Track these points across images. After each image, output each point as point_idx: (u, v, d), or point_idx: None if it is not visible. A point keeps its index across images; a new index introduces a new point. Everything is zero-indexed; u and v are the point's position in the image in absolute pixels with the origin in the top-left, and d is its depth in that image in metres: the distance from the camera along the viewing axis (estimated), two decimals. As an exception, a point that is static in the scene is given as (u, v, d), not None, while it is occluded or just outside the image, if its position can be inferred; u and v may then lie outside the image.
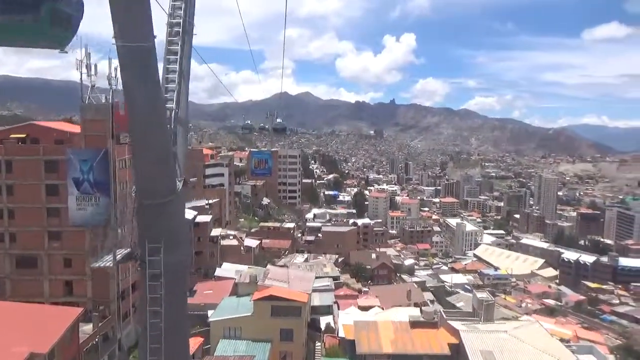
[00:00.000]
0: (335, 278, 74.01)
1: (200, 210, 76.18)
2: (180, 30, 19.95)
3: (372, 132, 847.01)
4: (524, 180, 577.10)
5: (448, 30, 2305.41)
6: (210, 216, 71.63)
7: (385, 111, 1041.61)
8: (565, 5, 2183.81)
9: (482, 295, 44.61)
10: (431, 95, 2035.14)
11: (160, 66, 19.10)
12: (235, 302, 46.70)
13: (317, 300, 64.99)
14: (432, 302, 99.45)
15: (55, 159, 43.31)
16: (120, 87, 49.21)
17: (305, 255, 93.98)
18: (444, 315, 41.87)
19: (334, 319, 62.02)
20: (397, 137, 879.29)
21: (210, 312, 53.22)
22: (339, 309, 64.01)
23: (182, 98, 20.59)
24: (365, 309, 58.03)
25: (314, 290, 67.00)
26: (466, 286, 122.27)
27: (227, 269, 67.98)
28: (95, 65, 43.36)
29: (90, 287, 44.36)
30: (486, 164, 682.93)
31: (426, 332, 38.20)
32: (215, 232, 70.78)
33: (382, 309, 58.30)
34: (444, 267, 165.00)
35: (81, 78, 42.56)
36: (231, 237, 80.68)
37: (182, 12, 20.10)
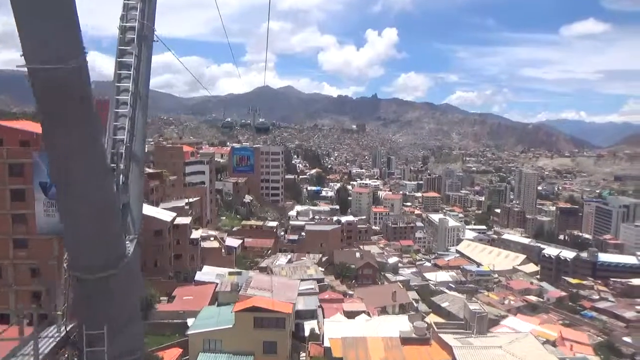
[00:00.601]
0: (319, 280, 72.06)
1: (180, 211, 73.43)
2: (136, 36, 15.74)
3: (354, 126, 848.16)
4: (504, 175, 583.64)
5: (430, 25, 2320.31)
6: (190, 218, 68.98)
7: (367, 105, 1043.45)
8: (544, 2, 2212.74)
9: (474, 307, 43.03)
10: (413, 90, 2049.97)
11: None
12: (215, 312, 44.36)
13: (301, 304, 62.90)
14: (417, 301, 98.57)
15: (20, 162, 40.24)
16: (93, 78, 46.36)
17: (289, 256, 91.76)
18: (435, 329, 40.13)
19: (318, 325, 60.10)
20: (379, 131, 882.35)
21: (189, 321, 50.84)
22: (323, 313, 62.14)
23: (138, 126, 16.14)
24: (351, 315, 56.17)
25: (298, 294, 65.14)
26: (450, 284, 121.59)
27: (207, 273, 65.50)
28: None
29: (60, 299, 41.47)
30: (467, 158, 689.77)
31: (418, 350, 36.38)
32: (196, 234, 68.17)
33: (369, 315, 56.50)
34: (427, 264, 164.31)
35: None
36: (212, 239, 78.09)
37: (138, 13, 15.99)
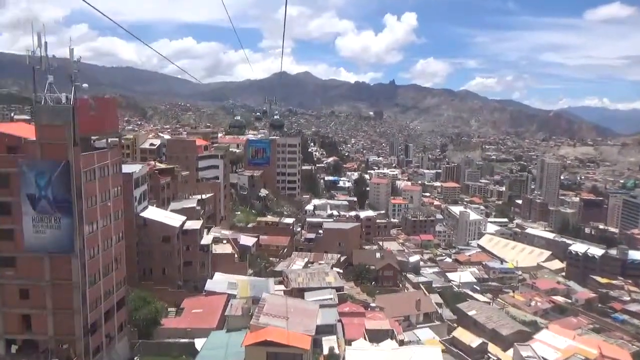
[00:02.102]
0: (338, 289, 67.00)
1: (190, 213, 68.73)
2: None
3: (371, 113, 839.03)
4: (525, 164, 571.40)
5: (450, 9, 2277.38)
6: (201, 221, 64.28)
7: (385, 92, 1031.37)
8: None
9: (526, 353, 37.52)
10: (431, 76, 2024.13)
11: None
12: (224, 340, 39.77)
13: (318, 318, 58.13)
14: (440, 305, 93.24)
15: (5, 171, 35.64)
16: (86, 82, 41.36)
17: (305, 258, 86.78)
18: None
19: (337, 342, 55.26)
20: (396, 118, 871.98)
21: (198, 342, 46.28)
22: (343, 329, 57.15)
23: None
24: (374, 335, 51.08)
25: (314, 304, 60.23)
26: (474, 286, 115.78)
27: (219, 281, 60.85)
28: (47, 54, 35.08)
29: (51, 323, 37.08)
30: (486, 146, 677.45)
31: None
32: (206, 239, 63.56)
33: (396, 335, 51.33)
34: (448, 259, 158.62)
35: (34, 72, 34.64)
36: (224, 242, 73.40)
37: None
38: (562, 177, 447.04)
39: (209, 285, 59.02)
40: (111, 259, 42.23)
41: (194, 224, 62.45)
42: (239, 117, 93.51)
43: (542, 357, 62.64)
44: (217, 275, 62.44)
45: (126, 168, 56.39)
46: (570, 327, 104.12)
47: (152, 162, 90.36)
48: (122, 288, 44.81)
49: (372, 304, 66.06)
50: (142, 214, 57.51)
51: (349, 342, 53.88)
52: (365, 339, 50.96)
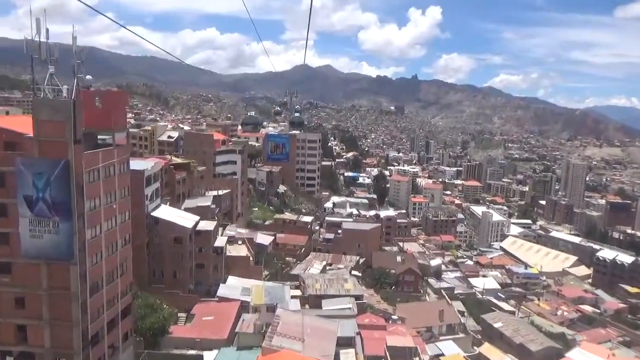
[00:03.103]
0: (357, 297, 63.36)
1: (205, 212, 65.59)
2: None
3: (392, 107, 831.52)
4: (549, 164, 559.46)
5: (476, 4, 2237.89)
6: (215, 222, 61.02)
7: (406, 87, 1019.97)
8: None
9: None
10: (454, 72, 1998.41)
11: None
12: (234, 358, 36.36)
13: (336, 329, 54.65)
14: (462, 314, 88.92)
15: (1, 170, 32.66)
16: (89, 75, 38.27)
17: (323, 262, 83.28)
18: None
19: (356, 357, 51.68)
20: (418, 113, 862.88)
21: (207, 355, 43.11)
22: (362, 342, 53.49)
23: None
24: (397, 352, 47.29)
25: (332, 317, 56.74)
26: (499, 294, 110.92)
27: (232, 286, 57.64)
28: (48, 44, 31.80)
29: (48, 334, 34.15)
30: (509, 144, 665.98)
31: None
32: (220, 241, 60.31)
33: (420, 353, 47.45)
34: (469, 262, 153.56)
35: (32, 61, 31.46)
36: (240, 243, 70.14)
37: None
38: (587, 179, 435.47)
39: (222, 290, 55.82)
40: (116, 265, 39.17)
41: (208, 225, 59.21)
42: (252, 113, 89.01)
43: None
44: (231, 279, 59.27)
45: (138, 165, 53.43)
46: (599, 339, 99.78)
47: (168, 156, 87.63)
48: (128, 295, 41.81)
49: (394, 316, 62.02)
50: (153, 214, 54.50)
51: (368, 359, 50.39)
52: (387, 357, 47.24)
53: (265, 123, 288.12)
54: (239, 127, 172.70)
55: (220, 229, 78.40)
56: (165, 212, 56.59)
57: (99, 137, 42.14)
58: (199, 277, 58.45)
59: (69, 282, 33.60)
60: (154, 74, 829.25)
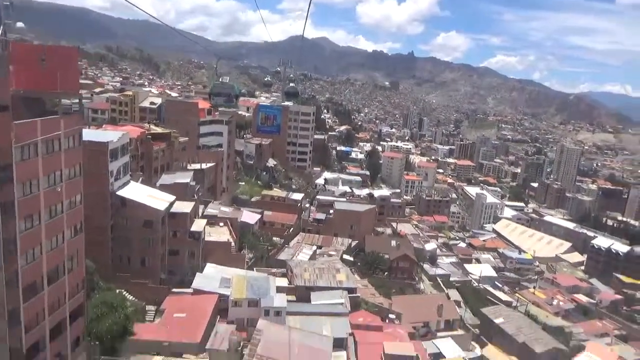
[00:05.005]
0: (350, 290, 57.06)
1: (182, 190, 58.24)
2: None
3: (387, 83, 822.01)
4: (541, 146, 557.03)
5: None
6: (192, 204, 53.80)
7: (402, 63, 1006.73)
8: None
9: None
10: (451, 50, 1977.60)
11: None
12: (205, 378, 29.96)
13: (326, 329, 48.41)
14: (458, 304, 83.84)
15: None
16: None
17: (313, 247, 76.69)
18: None
19: (348, 362, 45.70)
20: (412, 90, 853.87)
21: (174, 364, 36.60)
22: (355, 345, 47.41)
23: None
24: (396, 363, 41.22)
25: (322, 314, 50.53)
26: (496, 282, 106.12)
27: (210, 276, 50.84)
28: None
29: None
30: (503, 125, 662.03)
31: None
32: (198, 225, 53.24)
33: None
34: (462, 244, 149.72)
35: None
36: (221, 225, 63.18)
37: None
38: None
39: (198, 281, 49.01)
40: (63, 260, 32.02)
41: (184, 206, 51.96)
42: (226, 79, 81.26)
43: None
44: (209, 268, 52.39)
45: (100, 135, 45.93)
46: (596, 332, 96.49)
47: (147, 125, 79.81)
48: (80, 293, 34.80)
49: (391, 315, 55.80)
50: (119, 193, 47.09)
51: (362, 367, 44.39)
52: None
53: (257, 93, 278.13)
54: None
55: (202, 206, 71.49)
56: (135, 191, 49.14)
57: (63, 102, 34.78)
58: (173, 265, 51.57)
59: (-9, 286, 26.53)
60: (146, 38, 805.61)
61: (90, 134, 46.94)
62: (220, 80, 72.40)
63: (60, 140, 30.27)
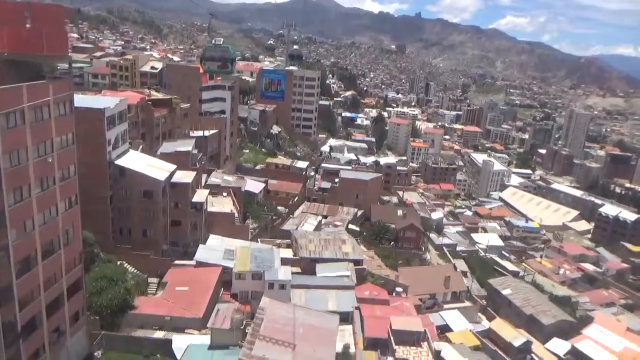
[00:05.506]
0: (356, 262, 55.89)
1: (184, 159, 56.42)
2: None
3: (393, 46, 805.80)
4: (550, 111, 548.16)
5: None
6: (194, 173, 52.03)
7: (409, 25, 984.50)
8: None
9: None
10: (460, 11, 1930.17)
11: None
12: (207, 358, 28.80)
13: (331, 303, 47.44)
14: (465, 274, 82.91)
15: None
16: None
17: (319, 218, 75.24)
18: None
19: (354, 337, 44.78)
20: (419, 54, 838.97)
21: (176, 339, 35.66)
22: (362, 319, 46.44)
23: None
24: (404, 337, 40.15)
25: (327, 287, 49.44)
26: (503, 252, 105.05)
27: (213, 247, 49.72)
28: None
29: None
30: (511, 90, 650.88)
31: None
32: (200, 195, 51.62)
33: (429, 337, 40.26)
34: (468, 213, 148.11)
35: None
36: (224, 195, 61.62)
37: None
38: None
39: (200, 253, 47.87)
40: (57, 233, 30.60)
41: (186, 176, 50.25)
42: (220, 41, 76.79)
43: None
44: (212, 239, 51.19)
45: (97, 102, 43.86)
46: (602, 301, 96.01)
47: (147, 91, 77.40)
48: (77, 267, 33.55)
49: (398, 288, 54.66)
50: (118, 162, 45.34)
51: (369, 342, 43.47)
52: (391, 342, 40.19)
53: (261, 57, 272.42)
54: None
55: (204, 175, 69.87)
56: (134, 160, 47.36)
57: (59, 66, 32.75)
58: (175, 236, 50.30)
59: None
60: (147, 0, 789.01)
61: (85, 100, 45.00)
62: (213, 42, 68.34)
63: (50, 107, 28.33)
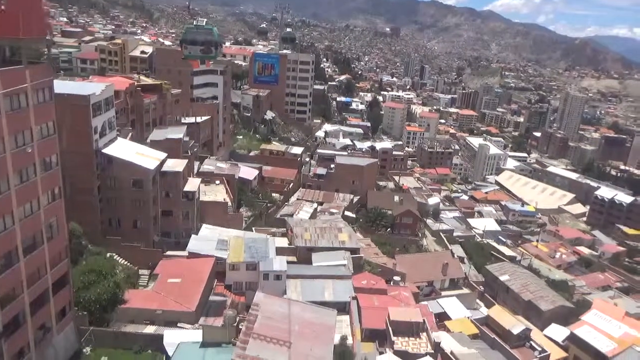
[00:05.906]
0: (353, 251, 54.77)
1: (175, 146, 54.71)
2: None
3: (388, 29, 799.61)
4: (545, 94, 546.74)
5: None
6: (186, 161, 50.45)
7: (404, 7, 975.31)
8: None
9: None
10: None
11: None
12: (199, 356, 27.63)
13: (328, 293, 46.40)
14: (462, 260, 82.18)
15: None
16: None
17: (314, 206, 73.88)
18: None
19: (351, 327, 43.83)
20: (414, 36, 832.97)
21: (167, 334, 34.48)
22: (359, 309, 45.47)
23: None
24: (402, 328, 39.21)
25: (324, 277, 48.35)
26: (499, 237, 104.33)
27: (206, 238, 48.36)
28: None
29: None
30: (506, 72, 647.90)
31: None
32: (192, 184, 50.03)
33: (428, 328, 39.34)
34: (464, 197, 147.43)
35: None
36: (217, 183, 60.10)
37: None
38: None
39: (193, 243, 46.55)
40: (39, 228, 29.14)
41: (177, 164, 48.65)
42: (203, 22, 74.27)
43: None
44: (205, 229, 49.80)
45: (82, 88, 42.04)
46: (598, 284, 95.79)
47: (136, 76, 75.27)
48: (63, 262, 32.17)
49: (396, 277, 53.67)
50: (105, 151, 43.69)
51: (367, 333, 42.56)
52: (389, 333, 39.28)
53: (254, 41, 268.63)
54: (226, 44, 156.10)
55: (197, 163, 68.33)
56: (122, 148, 45.70)
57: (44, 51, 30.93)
58: (166, 226, 48.90)
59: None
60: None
61: (70, 86, 43.18)
62: (195, 23, 65.59)
63: (28, 94, 26.62)
